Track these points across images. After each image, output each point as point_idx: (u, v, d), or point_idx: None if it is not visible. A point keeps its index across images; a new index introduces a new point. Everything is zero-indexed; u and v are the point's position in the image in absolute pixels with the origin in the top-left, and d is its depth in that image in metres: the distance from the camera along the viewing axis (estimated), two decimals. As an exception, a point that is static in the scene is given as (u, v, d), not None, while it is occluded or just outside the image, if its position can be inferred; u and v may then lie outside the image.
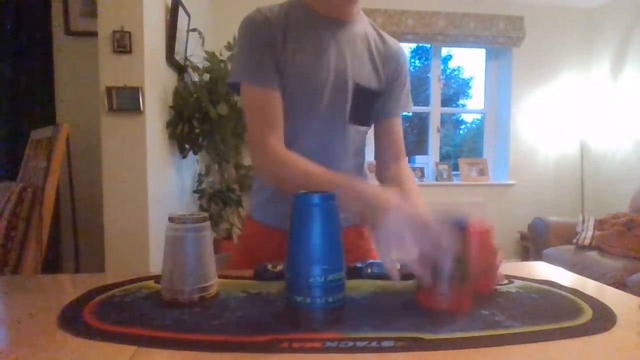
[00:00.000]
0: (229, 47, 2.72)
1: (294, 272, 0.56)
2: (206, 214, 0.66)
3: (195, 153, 2.66)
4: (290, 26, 0.89)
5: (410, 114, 5.18)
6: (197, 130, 2.49)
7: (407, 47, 4.49)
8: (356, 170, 1.02)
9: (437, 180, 3.90)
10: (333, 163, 0.87)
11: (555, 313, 0.60)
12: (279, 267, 0.76)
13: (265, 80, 0.87)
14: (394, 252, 0.62)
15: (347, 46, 0.93)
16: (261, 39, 0.87)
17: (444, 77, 4.18)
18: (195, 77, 2.72)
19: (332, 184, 0.72)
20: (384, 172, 1.05)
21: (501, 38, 3.84)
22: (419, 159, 4.47)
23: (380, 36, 1.01)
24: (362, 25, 0.98)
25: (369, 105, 0.98)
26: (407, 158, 1.08)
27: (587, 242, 3.08)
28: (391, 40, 1.02)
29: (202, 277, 0.64)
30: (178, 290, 0.63)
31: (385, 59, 0.99)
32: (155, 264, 2.09)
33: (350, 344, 0.50)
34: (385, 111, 1.02)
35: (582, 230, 3.17)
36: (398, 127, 1.06)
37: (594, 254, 2.95)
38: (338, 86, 0.91)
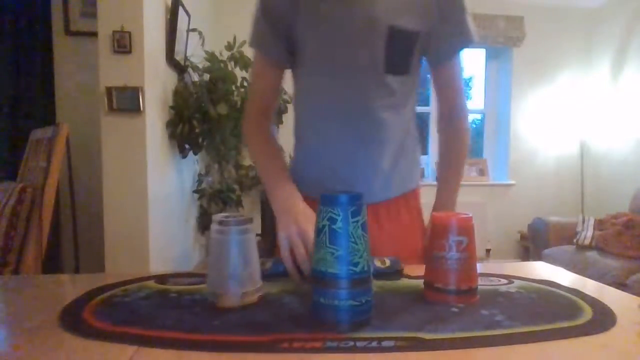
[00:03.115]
0: (229, 47, 2.72)
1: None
2: (250, 216, 0.65)
3: (195, 153, 2.66)
4: None
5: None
6: (197, 130, 2.49)
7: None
8: (400, 127, 0.93)
9: (437, 180, 3.90)
10: (369, 117, 0.87)
11: (555, 313, 0.60)
12: (268, 265, 0.75)
13: (268, 49, 0.91)
14: (290, 256, 0.71)
15: None
16: (270, 9, 0.88)
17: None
18: (195, 77, 2.72)
19: (264, 179, 0.87)
20: (438, 127, 1.01)
21: (501, 38, 3.84)
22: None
23: None
24: None
25: (407, 50, 0.88)
26: (465, 109, 0.99)
27: (587, 242, 3.08)
28: None
29: (247, 280, 0.63)
30: (222, 293, 0.62)
31: None
32: (156, 264, 2.09)
33: (350, 343, 0.50)
34: (436, 56, 0.93)
35: (582, 230, 3.17)
36: (452, 72, 0.95)
37: (594, 254, 2.94)
38: (368, 32, 0.84)
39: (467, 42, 0.93)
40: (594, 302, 0.64)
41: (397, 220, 0.95)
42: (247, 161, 3.40)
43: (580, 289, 0.71)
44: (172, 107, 2.44)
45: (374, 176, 0.91)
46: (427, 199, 1.01)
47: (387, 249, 0.85)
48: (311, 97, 0.94)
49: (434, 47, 0.92)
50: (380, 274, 0.74)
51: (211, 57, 2.66)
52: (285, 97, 2.66)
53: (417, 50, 0.90)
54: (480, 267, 0.70)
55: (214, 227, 0.63)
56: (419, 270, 0.73)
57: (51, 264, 2.01)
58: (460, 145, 1.00)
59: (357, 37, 0.85)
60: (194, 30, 2.60)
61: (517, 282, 0.75)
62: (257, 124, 0.94)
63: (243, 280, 0.63)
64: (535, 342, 0.51)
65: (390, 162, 0.92)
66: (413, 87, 0.94)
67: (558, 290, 0.71)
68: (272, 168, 0.89)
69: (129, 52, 1.97)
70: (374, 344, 0.50)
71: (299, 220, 0.74)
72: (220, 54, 2.72)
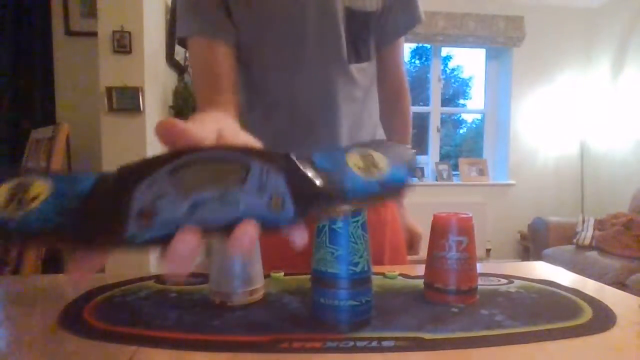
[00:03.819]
0: (229, 47, 2.72)
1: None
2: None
3: (195, 153, 2.66)
4: None
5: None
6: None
7: (407, 48, 4.50)
8: (370, 120, 0.86)
9: (437, 180, 3.90)
10: (337, 117, 0.77)
11: (555, 313, 0.60)
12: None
13: (211, 30, 0.74)
14: None
15: None
16: None
17: (444, 77, 4.18)
18: (195, 77, 2.72)
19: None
20: (382, 113, 0.90)
21: (501, 38, 3.84)
22: (419, 159, 4.46)
23: None
24: None
25: (367, 32, 0.80)
26: (408, 95, 0.94)
27: (587, 242, 3.08)
28: None
29: (250, 280, 0.63)
30: (225, 293, 0.62)
31: None
32: (156, 264, 2.09)
33: (350, 343, 0.50)
34: (382, 36, 0.85)
35: (582, 230, 3.17)
36: (396, 54, 0.89)
37: (594, 254, 2.95)
38: (324, 16, 0.74)
39: (415, 22, 0.86)
40: (594, 302, 0.64)
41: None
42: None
43: (580, 289, 0.71)
44: (172, 107, 2.44)
45: None
46: (427, 198, 1.01)
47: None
48: (265, 100, 0.81)
49: (383, 27, 0.84)
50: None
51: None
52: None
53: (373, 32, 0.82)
54: (480, 267, 0.70)
55: None
56: (419, 270, 0.73)
57: (51, 264, 2.01)
58: (404, 101, 0.94)
59: (313, 25, 0.74)
60: (194, 30, 2.60)
61: (517, 282, 0.75)
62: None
63: (248, 278, 0.63)
64: (535, 342, 0.51)
65: None
66: (374, 75, 0.87)
67: (558, 290, 0.71)
68: (206, 98, 0.73)
69: (129, 52, 1.97)
70: (374, 344, 0.50)
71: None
72: (220, 54, 2.72)
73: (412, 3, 0.85)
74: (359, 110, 0.82)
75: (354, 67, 0.79)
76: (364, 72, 0.82)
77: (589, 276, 0.88)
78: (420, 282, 0.70)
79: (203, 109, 0.74)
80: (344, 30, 0.76)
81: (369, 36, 0.81)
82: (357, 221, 0.55)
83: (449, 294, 0.64)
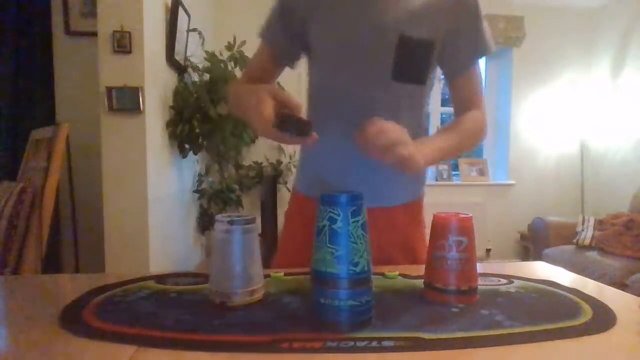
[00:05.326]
0: (229, 47, 2.72)
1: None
2: (254, 216, 0.65)
3: (195, 153, 2.66)
4: None
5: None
6: (197, 130, 2.49)
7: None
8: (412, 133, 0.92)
9: (437, 180, 3.90)
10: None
11: (555, 313, 0.60)
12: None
13: (268, 38, 0.93)
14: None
15: None
16: (282, 6, 0.91)
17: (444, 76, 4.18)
18: (195, 77, 2.72)
19: (237, 98, 0.87)
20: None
21: (501, 38, 3.84)
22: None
23: None
24: None
25: (422, 59, 0.87)
26: (482, 116, 0.93)
27: (587, 242, 3.08)
28: None
29: (250, 280, 0.63)
30: (225, 293, 0.62)
31: (444, 2, 0.86)
32: (156, 264, 2.09)
33: (351, 344, 0.50)
34: (452, 68, 0.92)
35: (582, 230, 3.17)
36: (470, 83, 0.93)
37: (594, 254, 2.95)
38: (376, 37, 0.84)
39: (483, 52, 0.92)
40: (594, 302, 0.64)
41: (396, 229, 0.93)
42: (247, 161, 3.40)
43: (580, 289, 0.71)
44: (172, 107, 2.44)
45: (374, 182, 0.90)
46: (427, 199, 1.00)
47: (384, 257, 0.86)
48: (320, 97, 0.94)
49: (449, 59, 0.91)
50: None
51: (211, 57, 2.66)
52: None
53: (434, 60, 0.89)
54: (480, 267, 0.70)
55: (219, 226, 0.63)
56: (419, 270, 0.73)
57: (51, 264, 2.01)
58: (472, 115, 0.92)
59: (365, 44, 0.85)
60: (194, 30, 2.60)
61: (517, 282, 0.75)
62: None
63: (249, 279, 0.63)
64: (535, 342, 0.51)
65: (391, 170, 0.91)
66: (422, 98, 0.92)
67: (558, 290, 0.71)
68: (242, 88, 0.88)
69: (129, 52, 1.96)
70: (374, 344, 0.50)
71: (259, 89, 0.71)
72: (220, 54, 2.72)
73: (479, 35, 0.90)
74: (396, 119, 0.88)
75: (400, 85, 0.86)
76: (411, 94, 0.89)
77: (589, 276, 0.88)
78: (420, 282, 0.70)
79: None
80: (395, 52, 0.84)
81: (423, 61, 0.87)
82: (357, 221, 0.55)
83: (449, 294, 0.64)
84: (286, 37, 0.92)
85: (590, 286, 0.76)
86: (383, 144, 0.67)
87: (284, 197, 3.31)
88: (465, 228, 0.64)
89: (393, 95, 0.87)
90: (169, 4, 2.37)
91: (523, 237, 3.86)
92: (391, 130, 0.69)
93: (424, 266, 0.69)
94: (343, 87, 0.88)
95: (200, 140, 2.58)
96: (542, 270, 0.87)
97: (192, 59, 2.66)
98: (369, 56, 0.85)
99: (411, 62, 0.86)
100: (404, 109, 0.88)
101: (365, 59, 0.86)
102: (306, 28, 0.89)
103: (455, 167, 4.03)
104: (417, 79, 0.89)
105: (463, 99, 0.94)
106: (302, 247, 0.88)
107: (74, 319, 0.57)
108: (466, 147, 0.93)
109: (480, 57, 0.93)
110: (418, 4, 0.85)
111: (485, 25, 0.91)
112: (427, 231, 0.95)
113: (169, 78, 2.44)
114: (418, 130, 0.91)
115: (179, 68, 2.55)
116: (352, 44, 0.86)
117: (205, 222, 3.00)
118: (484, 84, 4.27)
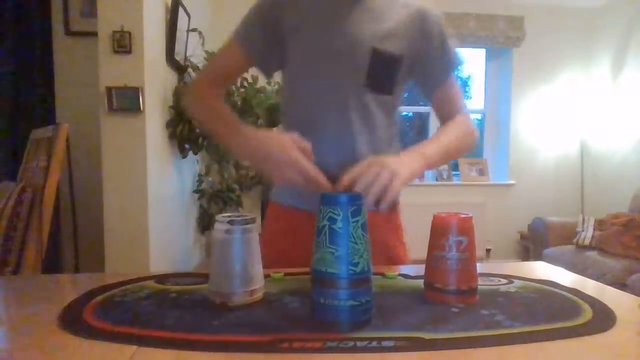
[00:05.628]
0: (229, 47, 2.72)
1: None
2: (254, 216, 0.65)
3: (195, 153, 2.66)
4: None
5: (411, 113, 5.17)
6: (197, 130, 2.49)
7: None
8: (386, 142, 0.96)
9: (437, 180, 3.90)
10: (348, 131, 0.90)
11: (555, 313, 0.60)
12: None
13: (242, 39, 0.93)
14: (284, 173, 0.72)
15: (366, 12, 0.91)
16: (263, 12, 0.93)
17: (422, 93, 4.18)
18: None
19: (220, 128, 0.88)
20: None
21: (501, 38, 3.84)
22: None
23: (407, 4, 0.96)
24: None
25: (391, 72, 0.93)
26: (468, 120, 0.98)
27: (587, 242, 3.08)
28: (422, 7, 0.96)
29: (250, 280, 0.63)
30: (225, 293, 0.62)
31: (412, 24, 0.93)
32: (156, 264, 2.09)
33: (351, 344, 0.50)
34: (428, 83, 0.98)
35: (582, 230, 3.17)
36: (447, 95, 0.97)
37: (594, 254, 2.95)
38: (352, 49, 0.89)
39: (455, 66, 0.97)
40: (594, 302, 0.65)
41: (374, 234, 0.93)
42: (247, 161, 3.39)
43: (580, 289, 0.71)
44: (172, 107, 2.44)
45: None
46: (427, 199, 1.00)
47: None
48: (295, 106, 0.98)
49: (424, 75, 0.97)
50: None
51: (211, 57, 2.66)
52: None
53: (402, 73, 0.94)
54: (480, 267, 0.70)
55: (219, 226, 0.63)
56: (419, 270, 0.73)
57: (51, 264, 2.01)
58: (461, 119, 0.96)
59: (340, 55, 0.90)
60: (194, 30, 2.60)
61: (517, 282, 0.75)
62: (208, 87, 0.96)
63: (249, 279, 0.63)
64: (535, 342, 0.51)
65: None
66: (392, 109, 0.98)
67: (558, 290, 0.71)
68: (227, 117, 0.89)
69: (129, 52, 1.96)
70: (374, 344, 0.50)
71: (283, 139, 0.75)
72: (220, 54, 2.72)
73: (446, 50, 0.95)
74: (376, 137, 0.93)
75: (371, 97, 0.92)
76: (382, 105, 0.94)
77: (589, 276, 0.88)
78: (420, 282, 0.70)
79: (217, 104, 0.93)
80: (368, 64, 0.89)
81: (392, 74, 0.93)
82: (357, 221, 0.55)
83: (449, 294, 0.64)
84: (265, 42, 0.93)
85: (590, 286, 0.76)
86: (363, 190, 0.69)
87: (284, 197, 3.31)
88: (465, 228, 0.64)
89: (364, 107, 0.93)
90: (169, 4, 2.37)
91: (523, 237, 3.86)
92: (363, 171, 0.71)
93: (423, 266, 0.69)
94: (319, 95, 0.92)
95: (200, 140, 2.58)
96: (542, 270, 0.87)
97: (192, 59, 2.66)
98: (344, 66, 0.90)
99: (383, 75, 0.92)
100: (376, 114, 0.94)
101: (341, 68, 0.90)
102: (285, 36, 0.92)
103: (455, 167, 4.04)
104: (388, 90, 0.94)
105: (445, 108, 0.98)
106: (280, 253, 0.91)
107: (74, 319, 0.57)
108: (464, 146, 0.96)
109: (453, 71, 0.97)
110: (390, 24, 0.92)
111: (452, 39, 0.97)
112: (425, 231, 0.95)
113: (169, 78, 2.44)
114: (391, 129, 0.98)
115: (179, 68, 2.55)
116: (330, 54, 0.90)
117: (205, 222, 3.00)
118: (483, 84, 4.26)
